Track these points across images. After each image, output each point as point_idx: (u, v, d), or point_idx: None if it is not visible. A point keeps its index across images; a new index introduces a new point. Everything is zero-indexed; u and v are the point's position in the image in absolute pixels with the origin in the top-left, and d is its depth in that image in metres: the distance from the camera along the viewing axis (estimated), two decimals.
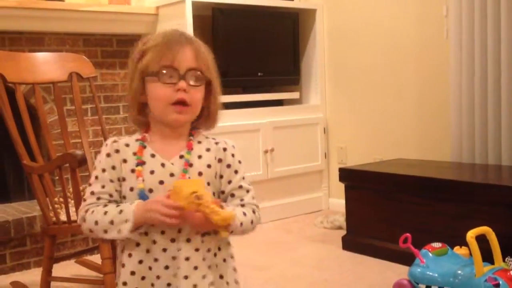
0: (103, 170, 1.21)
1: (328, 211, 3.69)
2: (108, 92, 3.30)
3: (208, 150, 1.26)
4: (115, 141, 1.22)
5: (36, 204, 2.47)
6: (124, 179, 1.21)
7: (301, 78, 3.81)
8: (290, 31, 3.69)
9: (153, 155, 1.21)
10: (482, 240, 1.99)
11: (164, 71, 1.15)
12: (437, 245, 2.15)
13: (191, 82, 1.18)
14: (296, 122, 3.62)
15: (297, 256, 2.80)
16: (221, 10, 3.35)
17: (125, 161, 1.21)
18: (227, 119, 3.26)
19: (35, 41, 3.02)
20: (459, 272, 2.00)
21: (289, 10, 3.70)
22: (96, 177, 1.21)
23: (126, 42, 3.36)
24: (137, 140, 1.23)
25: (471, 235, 1.95)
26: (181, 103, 1.17)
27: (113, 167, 1.21)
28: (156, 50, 1.16)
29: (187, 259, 1.19)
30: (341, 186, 2.96)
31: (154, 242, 1.19)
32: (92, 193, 1.21)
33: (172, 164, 1.21)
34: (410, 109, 3.33)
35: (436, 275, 2.04)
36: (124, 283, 1.22)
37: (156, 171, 1.20)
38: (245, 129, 3.31)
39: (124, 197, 1.22)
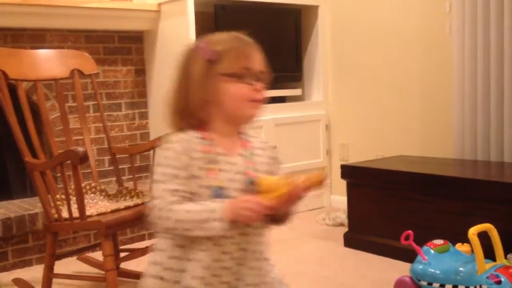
0: (175, 167, 1.20)
1: (330, 208, 3.69)
2: (110, 89, 3.30)
3: (262, 149, 1.34)
4: (179, 138, 1.23)
5: (38, 201, 2.47)
6: (194, 176, 1.22)
7: (303, 74, 3.81)
8: (293, 27, 3.68)
9: (220, 153, 1.25)
10: (484, 237, 1.98)
11: (244, 72, 1.24)
12: (439, 242, 2.15)
13: (262, 84, 1.28)
14: (298, 119, 3.62)
15: (299, 253, 2.81)
16: (223, 7, 3.35)
17: (193, 158, 1.22)
18: None
19: (37, 38, 3.02)
20: (461, 269, 1.99)
21: (291, 7, 3.69)
22: (166, 174, 1.20)
23: (128, 39, 3.36)
24: (198, 138, 1.24)
25: (473, 232, 1.94)
26: (257, 101, 1.26)
27: (183, 164, 1.21)
28: (235, 52, 1.24)
29: (253, 251, 1.29)
30: (343, 183, 2.96)
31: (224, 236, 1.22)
32: (166, 190, 1.20)
33: (236, 162, 1.26)
34: (413, 106, 3.32)
35: (438, 272, 2.03)
36: (193, 277, 1.23)
37: (225, 169, 1.24)
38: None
39: (194, 194, 1.23)
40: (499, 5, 2.75)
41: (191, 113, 1.25)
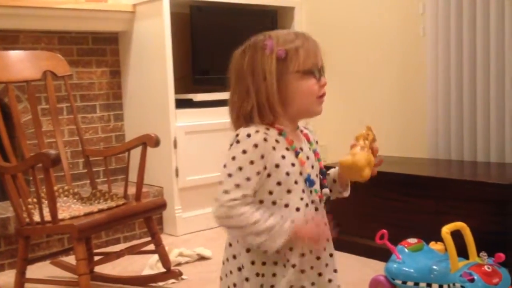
0: (251, 162, 1.17)
1: None
2: (84, 91, 3.27)
3: (313, 139, 1.37)
4: (257, 131, 1.19)
5: (9, 205, 2.43)
6: (277, 166, 1.20)
7: None
8: (269, 28, 3.58)
9: (298, 147, 1.27)
10: (457, 235, 2.00)
11: (313, 68, 1.25)
12: (413, 241, 2.17)
13: (324, 78, 1.29)
14: None
15: None
16: (199, 8, 3.33)
17: (274, 148, 1.20)
18: (208, 118, 3.25)
19: (10, 39, 2.97)
20: (435, 267, 2.01)
21: (267, 8, 3.70)
22: (240, 168, 1.17)
23: (103, 40, 3.33)
24: (275, 133, 1.23)
25: (446, 230, 1.96)
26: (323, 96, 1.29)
27: (262, 156, 1.18)
28: (305, 49, 1.24)
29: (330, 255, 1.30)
30: None
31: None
32: (238, 186, 1.16)
33: (310, 155, 1.30)
34: (389, 107, 3.35)
35: (412, 270, 2.05)
36: (258, 274, 1.22)
37: (306, 161, 1.26)
38: (224, 127, 3.29)
39: (271, 193, 1.21)
40: (472, 7, 2.78)
41: (262, 112, 1.22)
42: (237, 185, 1.16)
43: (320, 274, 1.26)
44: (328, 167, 1.39)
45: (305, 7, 3.76)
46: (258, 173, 1.18)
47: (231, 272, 1.27)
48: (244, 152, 1.17)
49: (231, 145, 1.21)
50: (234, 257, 1.26)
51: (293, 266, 1.22)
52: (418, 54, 3.12)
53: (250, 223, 1.15)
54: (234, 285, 1.25)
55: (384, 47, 3.34)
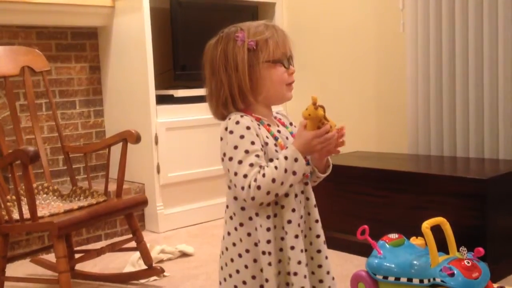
0: (252, 143, 1.25)
1: None
2: (63, 87, 3.23)
3: (287, 123, 1.44)
4: (242, 116, 1.28)
5: None
6: (266, 143, 1.29)
7: None
8: None
9: (277, 131, 1.35)
10: (437, 230, 2.02)
11: (282, 58, 1.32)
12: (393, 236, 2.18)
13: (293, 66, 1.36)
14: None
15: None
16: (179, 3, 3.31)
17: (259, 128, 1.29)
18: (189, 114, 3.24)
19: None
20: (415, 262, 2.02)
21: (248, 4, 3.69)
22: (247, 151, 1.24)
23: (82, 35, 3.29)
24: (253, 119, 1.30)
25: (426, 225, 1.98)
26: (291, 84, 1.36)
27: (257, 135, 1.27)
28: (275, 39, 1.31)
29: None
30: None
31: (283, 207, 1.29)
32: (251, 165, 1.23)
33: (288, 136, 1.37)
34: (368, 102, 3.37)
35: (393, 265, 2.06)
36: (264, 252, 1.27)
37: (286, 142, 1.34)
38: (205, 123, 3.28)
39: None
40: (450, 2, 2.81)
41: (235, 100, 1.30)
42: (251, 165, 1.23)
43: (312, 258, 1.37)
44: None
45: (286, 3, 3.76)
46: (261, 148, 1.27)
47: (232, 260, 1.32)
48: (242, 137, 1.25)
49: (222, 139, 1.28)
50: (234, 244, 1.31)
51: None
52: (398, 50, 3.14)
53: (274, 175, 1.22)
54: (237, 271, 1.31)
55: (364, 43, 3.35)
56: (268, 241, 1.27)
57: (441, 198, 2.33)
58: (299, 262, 1.28)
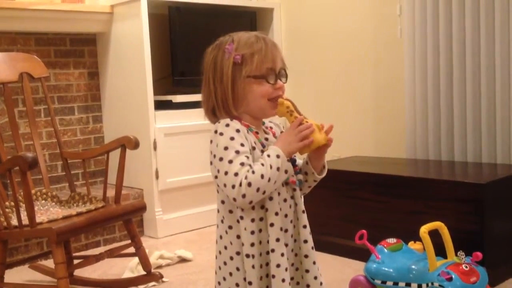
0: (241, 144, 1.27)
1: None
2: (62, 93, 3.23)
3: (275, 131, 1.45)
4: (231, 119, 1.30)
5: None
6: (253, 148, 1.31)
7: None
8: (248, 30, 3.67)
9: (265, 139, 1.37)
10: (435, 235, 2.03)
11: (268, 73, 1.32)
12: (392, 240, 2.19)
13: (283, 80, 1.36)
14: None
15: None
16: (177, 9, 3.32)
17: (246, 138, 1.30)
18: (188, 119, 3.24)
19: None
20: (413, 267, 2.03)
21: (246, 9, 3.70)
22: (237, 152, 1.26)
23: (81, 41, 3.30)
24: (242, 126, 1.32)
25: (424, 230, 1.98)
26: (277, 99, 1.35)
27: (246, 138, 1.30)
28: (260, 55, 1.31)
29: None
30: None
31: (267, 210, 1.30)
32: (242, 164, 1.25)
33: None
34: (367, 107, 3.38)
35: (391, 270, 2.07)
36: (248, 255, 1.28)
37: None
38: (204, 129, 3.29)
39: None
40: (448, 8, 2.82)
41: (220, 110, 1.33)
42: (242, 164, 1.25)
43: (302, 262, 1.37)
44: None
45: (284, 8, 3.78)
46: (250, 150, 1.29)
47: (225, 263, 1.33)
48: (232, 138, 1.27)
49: (212, 141, 1.30)
50: (226, 247, 1.33)
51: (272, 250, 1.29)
52: (396, 55, 3.15)
53: (263, 172, 1.24)
54: (230, 274, 1.32)
55: (362, 48, 3.36)
56: (252, 244, 1.28)
57: (439, 203, 2.34)
58: (278, 266, 1.28)
